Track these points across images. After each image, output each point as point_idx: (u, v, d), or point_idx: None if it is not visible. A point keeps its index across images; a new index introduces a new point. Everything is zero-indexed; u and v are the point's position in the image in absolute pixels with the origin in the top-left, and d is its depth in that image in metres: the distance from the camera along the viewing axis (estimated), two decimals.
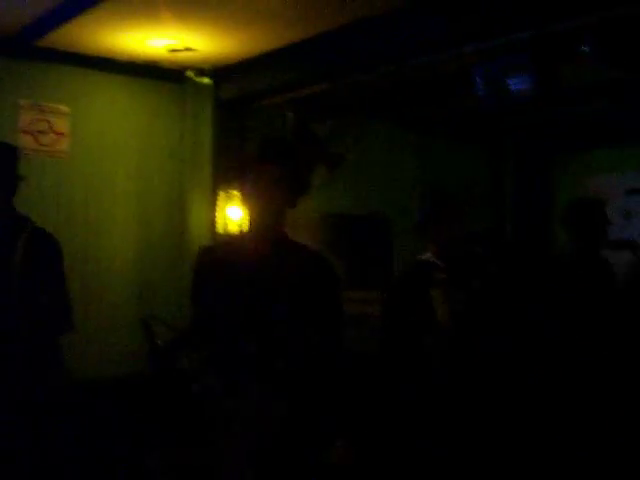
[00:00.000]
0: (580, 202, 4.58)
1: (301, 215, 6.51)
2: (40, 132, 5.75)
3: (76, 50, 5.66)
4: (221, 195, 6.17)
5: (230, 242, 3.19)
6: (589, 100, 5.89)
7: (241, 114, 6.20)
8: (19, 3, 4.81)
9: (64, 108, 5.84)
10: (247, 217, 3.00)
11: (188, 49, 5.55)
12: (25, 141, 5.66)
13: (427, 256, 3.95)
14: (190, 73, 6.17)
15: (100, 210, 5.99)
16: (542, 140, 7.55)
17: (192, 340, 3.10)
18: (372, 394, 4.24)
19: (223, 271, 2.96)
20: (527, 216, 7.95)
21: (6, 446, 3.47)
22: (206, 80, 6.18)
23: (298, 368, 2.84)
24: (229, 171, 5.91)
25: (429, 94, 5.65)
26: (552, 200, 7.82)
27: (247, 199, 2.96)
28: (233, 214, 6.11)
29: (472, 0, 4.23)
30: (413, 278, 3.95)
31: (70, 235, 5.72)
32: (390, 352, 3.98)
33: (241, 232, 3.05)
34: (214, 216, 6.17)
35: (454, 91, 5.44)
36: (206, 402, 2.67)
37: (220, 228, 6.16)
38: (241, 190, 2.98)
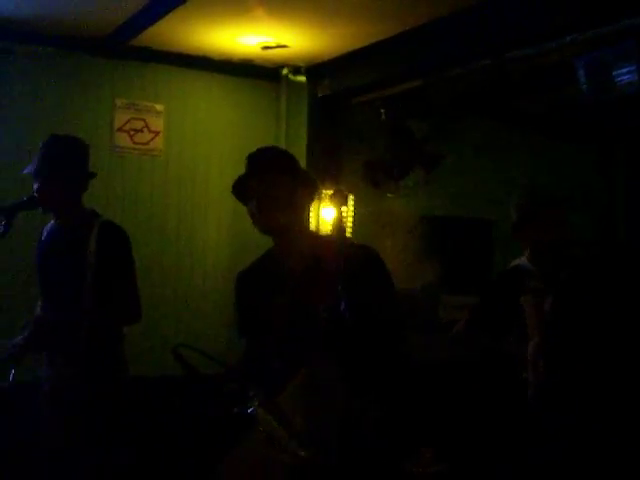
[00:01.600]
0: None
1: (397, 217, 6.39)
2: (135, 131, 5.77)
3: (169, 48, 5.65)
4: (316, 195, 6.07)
5: (263, 258, 3.07)
6: None
7: (336, 112, 6.08)
8: (112, 3, 4.82)
9: (159, 107, 5.85)
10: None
11: (281, 46, 5.46)
12: (121, 140, 5.72)
13: (521, 260, 3.72)
14: (285, 71, 6.08)
15: (194, 208, 5.98)
16: None
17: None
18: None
19: (263, 288, 2.85)
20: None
21: (69, 441, 3.47)
22: (301, 78, 6.09)
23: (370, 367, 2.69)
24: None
25: (529, 89, 5.40)
26: None
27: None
28: (326, 214, 6.00)
29: None
30: (503, 284, 3.74)
31: (163, 233, 5.80)
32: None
33: (271, 247, 2.94)
34: (308, 216, 6.06)
35: (557, 85, 5.19)
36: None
37: (313, 228, 6.06)
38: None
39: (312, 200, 2.91)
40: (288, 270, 2.80)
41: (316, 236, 2.94)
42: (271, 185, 2.76)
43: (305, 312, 2.65)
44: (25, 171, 3.58)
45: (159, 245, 5.75)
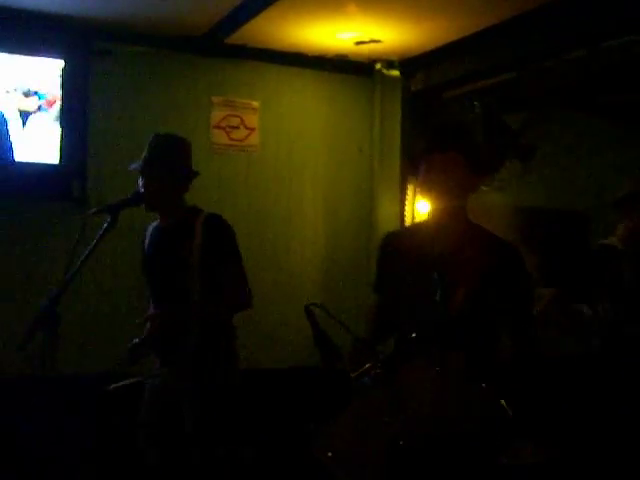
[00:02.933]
0: None
1: (492, 209, 6.35)
2: (232, 127, 5.89)
3: (265, 45, 5.74)
4: (410, 188, 6.09)
5: (414, 229, 3.16)
6: None
7: (430, 105, 6.07)
8: (208, 2, 4.92)
9: (255, 103, 5.95)
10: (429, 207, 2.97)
11: (374, 41, 5.49)
12: (217, 137, 5.84)
13: (611, 240, 3.72)
14: (379, 65, 6.11)
15: (290, 203, 6.07)
16: None
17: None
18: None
19: (408, 257, 2.93)
20: None
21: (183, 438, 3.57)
22: (394, 72, 6.10)
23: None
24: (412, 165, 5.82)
25: (624, 79, 5.30)
26: None
27: (422, 189, 2.94)
28: (422, 207, 6.00)
29: None
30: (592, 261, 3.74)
31: (261, 228, 5.91)
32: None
33: (425, 220, 3.03)
34: (403, 209, 6.10)
35: None
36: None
37: (409, 221, 6.08)
38: (417, 180, 2.97)
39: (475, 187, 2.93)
40: (439, 245, 2.88)
41: (470, 222, 3.01)
42: (456, 162, 2.85)
43: (445, 292, 2.71)
44: (132, 167, 3.71)
45: (257, 239, 5.87)
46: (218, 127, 5.85)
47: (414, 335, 2.63)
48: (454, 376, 2.59)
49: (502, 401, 2.67)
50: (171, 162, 3.67)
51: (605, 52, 4.56)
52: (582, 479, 3.88)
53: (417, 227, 3.20)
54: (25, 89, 5.17)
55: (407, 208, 6.13)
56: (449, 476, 2.57)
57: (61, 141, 5.25)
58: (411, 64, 5.97)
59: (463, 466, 2.58)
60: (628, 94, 5.82)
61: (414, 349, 2.59)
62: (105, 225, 3.21)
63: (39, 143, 5.22)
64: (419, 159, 2.95)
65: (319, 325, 2.78)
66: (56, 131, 5.24)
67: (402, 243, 3.04)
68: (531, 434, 2.85)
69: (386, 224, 6.05)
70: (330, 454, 2.60)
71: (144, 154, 3.68)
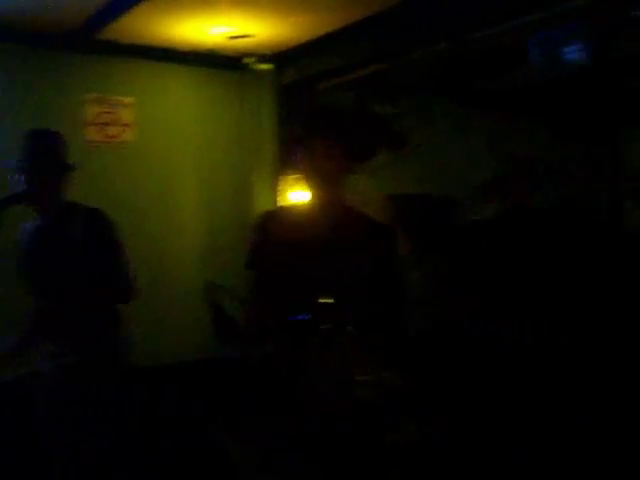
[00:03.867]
0: None
1: (364, 197, 6.51)
2: (106, 124, 5.86)
3: (137, 41, 5.72)
4: (284, 180, 6.20)
5: (294, 210, 3.23)
6: None
7: (302, 98, 6.19)
8: None
9: (129, 100, 5.94)
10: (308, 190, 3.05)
11: (246, 36, 5.56)
12: (92, 134, 5.81)
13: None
14: (250, 60, 6.19)
15: (168, 197, 6.11)
16: (606, 113, 7.33)
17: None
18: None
19: (288, 237, 3.00)
20: (594, 191, 7.73)
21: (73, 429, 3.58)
22: (267, 66, 6.21)
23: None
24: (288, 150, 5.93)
25: (488, 69, 5.56)
26: (619, 175, 7.60)
27: (303, 174, 3.00)
28: (296, 198, 6.12)
29: None
30: None
31: (140, 222, 5.88)
32: None
33: (304, 203, 3.10)
34: (277, 201, 6.21)
35: (513, 65, 5.35)
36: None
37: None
38: (296, 166, 3.02)
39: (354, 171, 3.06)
40: (316, 226, 2.97)
41: (352, 208, 3.11)
42: (337, 147, 2.96)
43: (323, 272, 2.80)
44: (9, 165, 3.67)
45: (137, 236, 5.83)
46: (92, 124, 5.81)
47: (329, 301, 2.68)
48: (346, 354, 2.68)
49: (390, 376, 2.79)
50: (53, 157, 3.67)
51: (470, 43, 4.77)
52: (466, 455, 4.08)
53: (296, 209, 3.25)
54: None
55: (281, 199, 6.23)
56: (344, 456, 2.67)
57: None
58: (283, 58, 6.07)
59: (355, 443, 2.69)
60: (495, 83, 6.09)
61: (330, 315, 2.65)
62: None
63: None
64: (297, 146, 3.03)
65: (217, 304, 2.83)
66: None
67: (281, 222, 3.08)
68: (416, 409, 2.95)
69: None
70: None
71: (25, 150, 3.65)
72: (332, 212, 3.02)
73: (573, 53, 4.11)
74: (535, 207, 4.04)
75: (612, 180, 7.64)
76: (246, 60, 6.20)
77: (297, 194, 6.09)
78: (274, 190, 6.19)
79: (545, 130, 7.32)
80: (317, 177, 2.98)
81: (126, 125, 5.93)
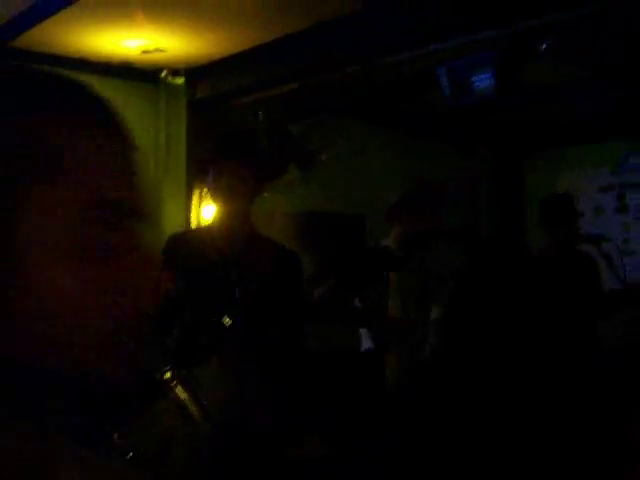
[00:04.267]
0: (552, 198, 4.71)
1: (275, 213, 6.58)
2: None
3: (51, 50, 5.66)
4: (195, 194, 6.21)
5: (200, 231, 3.28)
6: (556, 98, 5.97)
7: (214, 114, 6.23)
8: None
9: None
10: (215, 211, 3.10)
11: (159, 50, 5.58)
12: None
13: (386, 242, 4.05)
14: (164, 73, 6.20)
15: None
16: (514, 139, 7.63)
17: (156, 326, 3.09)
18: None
19: (194, 259, 3.07)
20: (500, 216, 8.01)
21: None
22: (179, 80, 6.22)
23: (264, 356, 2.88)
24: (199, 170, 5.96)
25: (398, 93, 5.71)
26: (525, 199, 7.90)
27: (212, 195, 3.05)
28: (207, 213, 6.14)
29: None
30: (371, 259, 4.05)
31: None
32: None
33: (209, 224, 3.16)
34: (188, 215, 6.21)
35: (424, 90, 5.52)
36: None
37: (194, 226, 6.19)
38: (206, 186, 3.08)
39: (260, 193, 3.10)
40: (221, 249, 3.00)
41: (255, 231, 3.15)
42: (246, 170, 3.04)
43: (226, 294, 2.84)
44: None
45: None
46: None
47: (227, 321, 2.73)
48: (247, 374, 2.73)
49: (291, 396, 2.86)
50: None
51: (377, 69, 4.91)
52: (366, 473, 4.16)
53: (203, 230, 3.30)
54: None
55: (192, 213, 6.24)
56: (245, 471, 2.72)
57: None
58: (197, 73, 6.10)
59: (256, 460, 2.74)
60: (402, 105, 6.25)
61: (226, 339, 2.70)
62: None
63: None
64: (207, 165, 3.09)
65: None
66: None
67: (187, 245, 3.14)
68: (319, 428, 3.01)
69: (173, 229, 6.13)
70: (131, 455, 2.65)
71: None
72: (239, 235, 3.07)
73: (481, 82, 4.28)
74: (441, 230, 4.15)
75: (515, 205, 7.95)
76: (160, 74, 6.19)
77: (207, 210, 6.11)
78: (185, 204, 6.19)
79: (454, 154, 7.56)
80: (224, 199, 3.04)
81: None
